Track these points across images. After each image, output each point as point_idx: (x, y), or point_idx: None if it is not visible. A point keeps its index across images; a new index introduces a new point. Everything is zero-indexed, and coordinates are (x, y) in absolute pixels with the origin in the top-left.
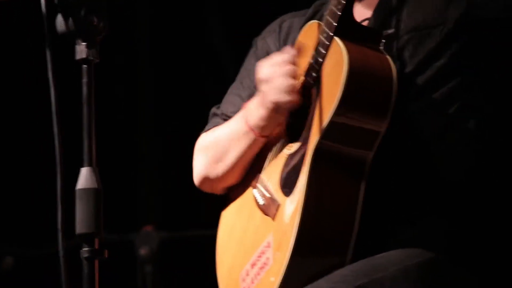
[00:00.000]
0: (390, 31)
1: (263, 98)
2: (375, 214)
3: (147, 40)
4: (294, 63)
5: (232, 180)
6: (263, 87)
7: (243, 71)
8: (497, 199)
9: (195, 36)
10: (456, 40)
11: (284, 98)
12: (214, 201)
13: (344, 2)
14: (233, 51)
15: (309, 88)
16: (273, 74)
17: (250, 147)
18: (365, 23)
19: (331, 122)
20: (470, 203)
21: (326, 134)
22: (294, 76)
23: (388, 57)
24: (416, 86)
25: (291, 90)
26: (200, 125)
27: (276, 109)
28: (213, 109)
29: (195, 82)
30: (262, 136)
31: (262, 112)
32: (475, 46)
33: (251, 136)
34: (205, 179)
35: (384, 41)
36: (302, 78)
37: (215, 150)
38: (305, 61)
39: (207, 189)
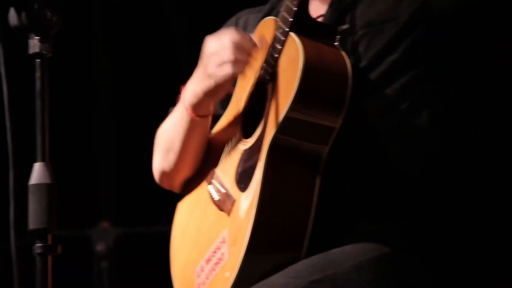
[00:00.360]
0: (345, 26)
1: (204, 72)
2: (330, 209)
3: (103, 35)
4: (243, 38)
5: (185, 171)
6: (206, 60)
7: None
8: (451, 194)
9: (152, 32)
10: (409, 34)
11: (223, 70)
12: (170, 198)
13: None
14: (190, 47)
15: (264, 83)
16: (217, 47)
17: (191, 130)
18: (320, 19)
19: (287, 117)
20: (424, 198)
21: (281, 129)
22: (241, 48)
23: (343, 53)
24: (370, 81)
25: (231, 62)
26: (157, 122)
27: (215, 84)
28: (171, 109)
29: (153, 78)
30: (199, 116)
31: (198, 87)
32: (429, 40)
33: (188, 118)
34: (162, 173)
35: (339, 36)
36: (258, 73)
37: (164, 141)
38: (261, 56)
39: (165, 185)
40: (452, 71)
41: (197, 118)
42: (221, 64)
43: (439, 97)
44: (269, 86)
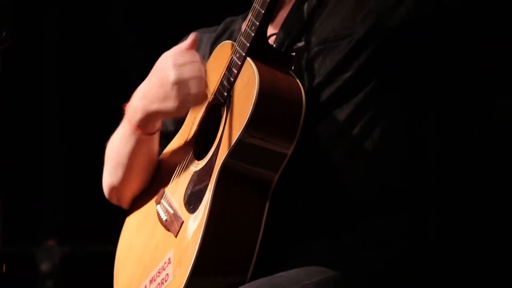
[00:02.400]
0: (301, 44)
1: (159, 91)
2: (282, 229)
3: (53, 51)
4: (202, 61)
5: (133, 187)
6: (169, 86)
7: None
8: (404, 214)
9: (103, 48)
10: (364, 51)
11: (191, 97)
12: (118, 216)
13: (258, 23)
14: (142, 64)
15: (219, 106)
16: (183, 73)
17: (138, 146)
18: (272, 38)
19: (239, 141)
20: (376, 219)
21: (233, 153)
22: (202, 74)
23: (298, 81)
24: (324, 99)
25: (200, 89)
26: (105, 137)
27: (179, 107)
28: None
29: (100, 93)
30: (148, 134)
31: (150, 106)
32: (382, 57)
33: (135, 135)
34: (111, 189)
35: (294, 53)
36: (213, 96)
37: (112, 156)
38: (217, 79)
39: (114, 200)
40: (404, 88)
41: (145, 136)
42: (190, 94)
43: (391, 115)
44: (223, 109)
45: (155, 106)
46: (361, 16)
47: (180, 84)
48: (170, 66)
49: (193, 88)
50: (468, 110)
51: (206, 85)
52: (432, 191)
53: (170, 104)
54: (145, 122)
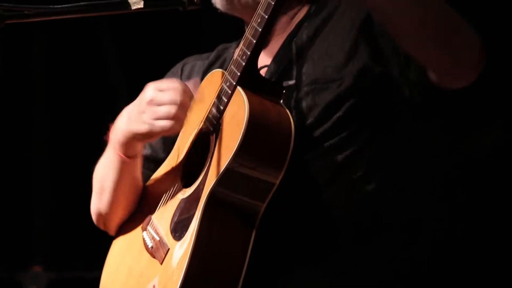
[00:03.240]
0: (291, 82)
1: (139, 117)
2: (264, 261)
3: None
4: (184, 92)
5: (119, 213)
6: (144, 107)
7: None
8: (387, 243)
9: (93, 75)
10: (353, 95)
11: (158, 123)
12: (104, 242)
13: (249, 53)
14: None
15: (208, 134)
16: (157, 97)
17: (120, 170)
18: (263, 70)
19: (227, 170)
20: (361, 248)
21: (221, 181)
22: (177, 104)
23: (288, 112)
24: (312, 138)
25: (168, 118)
26: (93, 162)
27: (148, 132)
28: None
29: (89, 118)
30: (127, 156)
31: (130, 129)
32: (370, 101)
33: (118, 158)
34: (98, 214)
35: (284, 91)
36: (202, 123)
37: (98, 181)
38: (207, 107)
39: (102, 226)
40: (390, 123)
41: (126, 159)
42: (159, 118)
43: (379, 149)
44: (212, 137)
45: (130, 127)
46: (353, 62)
47: (152, 106)
48: (150, 88)
49: (163, 113)
50: (447, 144)
51: (180, 114)
52: (419, 220)
53: (140, 126)
54: (125, 144)
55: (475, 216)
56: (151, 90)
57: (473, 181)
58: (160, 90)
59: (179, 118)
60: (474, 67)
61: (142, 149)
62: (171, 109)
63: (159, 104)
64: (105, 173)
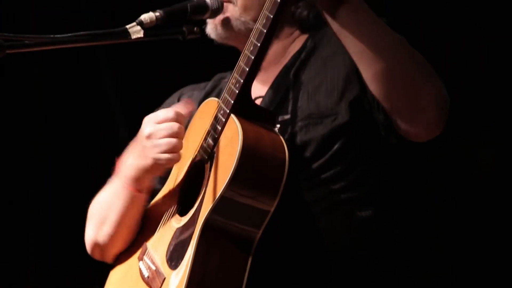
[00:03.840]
0: (287, 116)
1: (143, 152)
2: (262, 283)
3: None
4: (179, 121)
5: (119, 244)
6: (145, 143)
7: None
8: (380, 269)
9: (91, 102)
10: (347, 130)
11: (162, 156)
12: (100, 272)
13: (242, 81)
14: (130, 120)
15: (203, 162)
16: (156, 131)
17: (128, 204)
18: (258, 101)
19: (222, 197)
20: (355, 274)
21: (216, 209)
22: (173, 135)
23: (282, 138)
24: (308, 170)
25: (168, 150)
26: (91, 193)
27: (155, 165)
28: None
29: (89, 150)
30: (138, 191)
31: (138, 163)
32: (364, 135)
33: (126, 193)
34: (95, 245)
35: (279, 126)
36: (197, 152)
37: (99, 212)
38: (201, 136)
39: (97, 256)
40: (383, 159)
41: (136, 193)
42: (162, 152)
43: (372, 182)
44: (207, 166)
45: (138, 163)
46: (344, 100)
47: (152, 140)
48: (147, 123)
49: (164, 146)
50: None
51: (178, 145)
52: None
53: (147, 161)
54: (137, 179)
55: None
56: (148, 125)
57: None
58: (157, 123)
59: (180, 147)
60: (437, 124)
61: (152, 183)
62: (171, 142)
63: (159, 138)
64: (109, 205)
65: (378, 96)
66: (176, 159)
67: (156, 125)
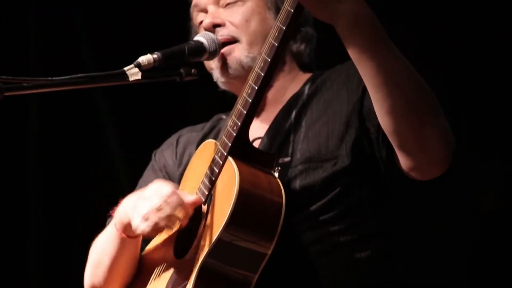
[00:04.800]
0: (287, 159)
1: (139, 212)
2: None
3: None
4: (180, 200)
5: (114, 287)
6: (150, 215)
7: (141, 183)
8: None
9: (90, 144)
10: (347, 174)
11: (153, 230)
12: None
13: (240, 123)
14: (129, 160)
15: (200, 205)
16: (164, 207)
17: (120, 248)
18: (257, 142)
19: (219, 240)
20: None
21: (212, 252)
22: (179, 207)
23: (279, 181)
24: (307, 213)
25: (170, 225)
26: (90, 232)
27: (155, 228)
28: (109, 220)
29: (90, 192)
30: (128, 237)
31: (132, 213)
32: (364, 179)
33: (118, 236)
34: (92, 287)
35: (279, 168)
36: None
37: (94, 255)
38: (199, 178)
39: None
40: (383, 201)
41: (127, 238)
42: (156, 228)
43: (370, 223)
44: (204, 208)
45: (133, 212)
46: (344, 144)
47: (159, 213)
48: (157, 195)
49: (167, 222)
50: None
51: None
52: None
53: (146, 223)
54: (128, 225)
55: None
56: (158, 197)
57: None
58: (166, 202)
59: (176, 218)
60: (443, 161)
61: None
62: (176, 220)
63: (160, 218)
64: (104, 248)
65: (389, 130)
66: (171, 231)
67: (165, 201)
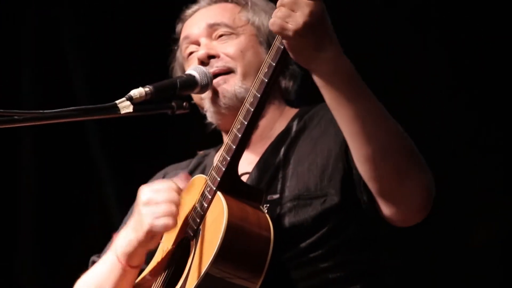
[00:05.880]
0: (276, 196)
1: (139, 220)
2: None
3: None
4: (177, 191)
5: None
6: (142, 209)
7: (126, 220)
8: None
9: (81, 177)
10: (336, 212)
11: (159, 221)
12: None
13: (229, 159)
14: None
15: (188, 240)
16: (154, 197)
17: (121, 280)
18: (245, 177)
19: (207, 275)
20: None
21: (200, 286)
22: (172, 201)
23: (267, 216)
24: (296, 250)
25: (166, 214)
26: (80, 265)
27: (150, 232)
28: (93, 257)
29: (78, 226)
30: (130, 266)
31: (132, 236)
32: (352, 217)
33: (119, 267)
34: None
35: (268, 205)
36: (183, 229)
37: (88, 285)
38: (188, 212)
39: None
40: (371, 237)
41: (129, 268)
42: (159, 216)
43: (359, 259)
44: (193, 242)
45: (134, 236)
46: (333, 182)
47: (150, 206)
48: (145, 191)
49: (163, 211)
50: None
51: (176, 212)
52: None
53: (141, 230)
54: (131, 254)
55: None
56: (146, 192)
57: None
58: (155, 191)
59: (177, 214)
60: (421, 210)
61: (144, 259)
62: (171, 207)
63: (157, 203)
64: (102, 279)
65: (366, 177)
66: (172, 225)
67: (154, 192)
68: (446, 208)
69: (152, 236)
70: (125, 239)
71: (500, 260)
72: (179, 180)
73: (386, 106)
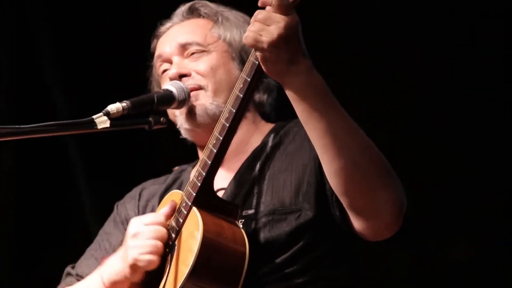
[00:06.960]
0: (251, 211)
1: (125, 252)
2: None
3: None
4: (165, 225)
5: None
6: (129, 242)
7: (102, 234)
8: None
9: (58, 188)
10: (311, 227)
11: (144, 257)
12: None
13: (204, 174)
14: (96, 207)
15: (164, 255)
16: (141, 231)
17: None
18: (220, 193)
19: None
20: None
21: None
22: (160, 238)
23: (243, 231)
24: (271, 265)
25: (152, 251)
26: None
27: (134, 266)
28: (68, 269)
29: (55, 236)
30: None
31: (119, 266)
32: (327, 231)
33: None
34: None
35: (243, 220)
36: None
37: None
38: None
39: None
40: (347, 251)
41: None
42: (143, 253)
43: (336, 274)
44: (168, 258)
45: (117, 267)
46: (307, 196)
47: (137, 240)
48: (134, 222)
49: (149, 247)
50: None
51: (161, 250)
52: None
53: (125, 263)
54: (114, 282)
55: None
56: (135, 224)
57: None
58: (144, 225)
59: (162, 252)
60: (392, 225)
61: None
62: (156, 244)
63: (144, 239)
64: None
65: (338, 191)
66: (155, 263)
67: (144, 226)
68: (426, 222)
69: (136, 270)
70: (112, 267)
71: (481, 275)
72: (168, 210)
73: (384, 106)
